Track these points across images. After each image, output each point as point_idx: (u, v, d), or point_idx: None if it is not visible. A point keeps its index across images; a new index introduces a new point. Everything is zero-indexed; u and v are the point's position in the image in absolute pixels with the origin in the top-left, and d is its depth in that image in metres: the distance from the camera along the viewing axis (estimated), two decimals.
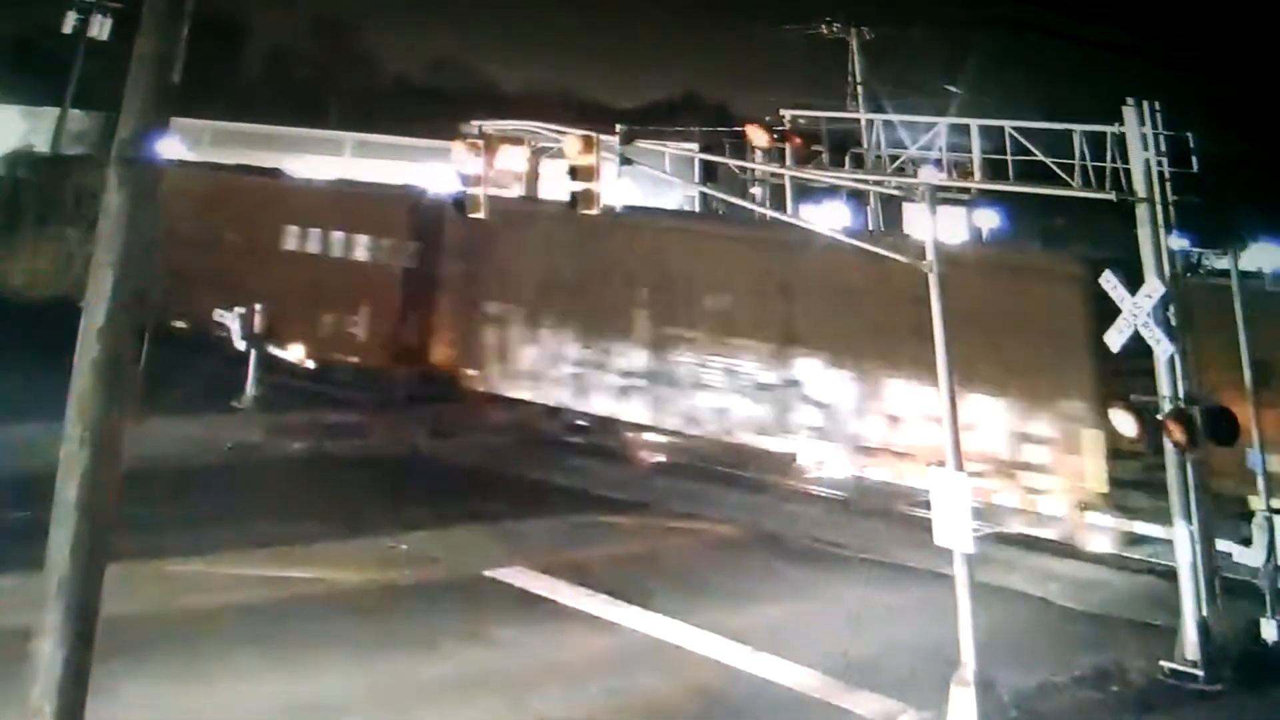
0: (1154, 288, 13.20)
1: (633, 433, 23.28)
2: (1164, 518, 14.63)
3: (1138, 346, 13.63)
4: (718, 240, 23.82)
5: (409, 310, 26.55)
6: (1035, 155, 15.75)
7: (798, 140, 22.37)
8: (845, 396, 20.60)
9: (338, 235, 28.23)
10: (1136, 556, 17.05)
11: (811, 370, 21.03)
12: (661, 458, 22.65)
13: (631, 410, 23.31)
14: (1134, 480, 17.22)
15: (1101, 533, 17.69)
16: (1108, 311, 14.25)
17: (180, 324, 27.31)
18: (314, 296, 27.10)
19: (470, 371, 25.78)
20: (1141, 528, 16.85)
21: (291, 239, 29.22)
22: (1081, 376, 17.91)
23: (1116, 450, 17.01)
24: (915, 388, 18.86)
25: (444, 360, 26.32)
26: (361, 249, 27.70)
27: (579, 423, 23.96)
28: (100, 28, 40.21)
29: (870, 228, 25.64)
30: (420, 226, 26.75)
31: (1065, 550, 17.69)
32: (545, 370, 24.47)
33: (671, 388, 22.68)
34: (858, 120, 24.18)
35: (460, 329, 26.05)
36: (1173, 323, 13.36)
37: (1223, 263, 15.82)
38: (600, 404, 23.72)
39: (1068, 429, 18.05)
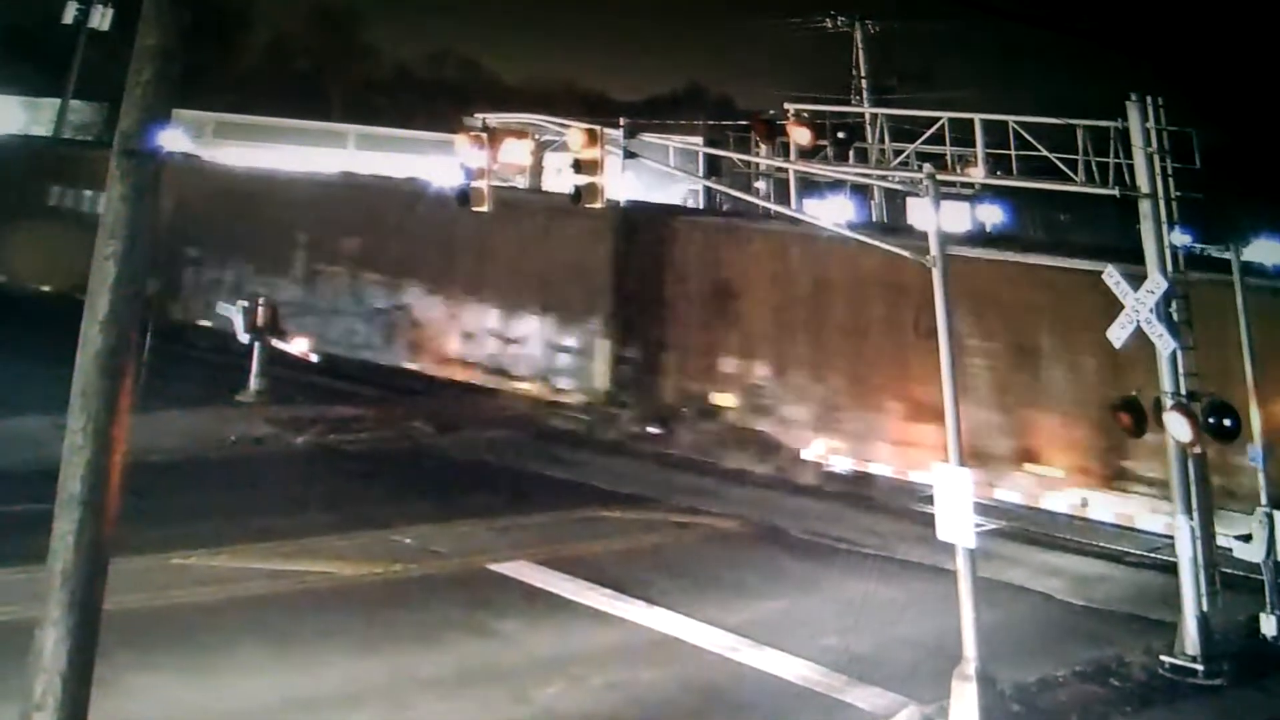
0: (1156, 283, 13.12)
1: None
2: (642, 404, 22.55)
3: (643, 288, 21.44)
4: (352, 190, 29.69)
5: None
6: (1039, 150, 15.70)
7: (802, 134, 22.23)
8: (436, 318, 26.24)
9: (88, 194, 32.55)
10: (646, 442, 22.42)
11: (415, 297, 26.73)
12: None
13: None
14: (625, 382, 23.03)
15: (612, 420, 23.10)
16: (632, 249, 21.03)
17: None
18: (61, 247, 29.71)
19: (173, 306, 30.42)
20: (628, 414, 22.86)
21: (53, 197, 34.81)
22: (602, 298, 23.20)
23: (619, 358, 23.13)
24: (484, 310, 25.26)
25: (151, 297, 29.06)
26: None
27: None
28: (102, 18, 40.21)
29: (874, 221, 25.70)
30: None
31: (1065, 546, 17.80)
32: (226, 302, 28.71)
33: (315, 316, 27.94)
34: (862, 114, 24.12)
35: (169, 273, 30.22)
36: (1175, 318, 13.33)
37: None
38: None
39: (587, 341, 23.30)
